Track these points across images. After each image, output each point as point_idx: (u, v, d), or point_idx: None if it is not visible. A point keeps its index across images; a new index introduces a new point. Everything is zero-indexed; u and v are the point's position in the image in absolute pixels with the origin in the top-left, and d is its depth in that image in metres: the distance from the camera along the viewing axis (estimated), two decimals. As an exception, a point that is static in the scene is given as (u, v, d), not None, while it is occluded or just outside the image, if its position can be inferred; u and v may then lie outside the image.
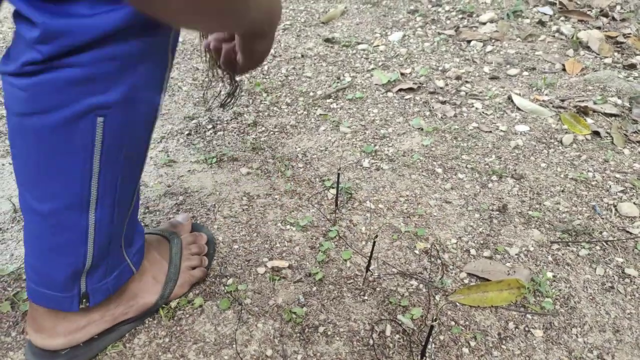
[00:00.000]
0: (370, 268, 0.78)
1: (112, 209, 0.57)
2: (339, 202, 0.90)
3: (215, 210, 0.89)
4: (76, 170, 0.52)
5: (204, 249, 0.78)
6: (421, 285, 0.76)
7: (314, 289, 0.75)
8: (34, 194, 0.54)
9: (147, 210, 0.88)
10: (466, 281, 0.77)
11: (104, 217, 0.56)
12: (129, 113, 0.52)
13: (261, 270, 0.78)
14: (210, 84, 1.25)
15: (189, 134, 1.09)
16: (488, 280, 0.76)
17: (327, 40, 1.49)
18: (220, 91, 1.19)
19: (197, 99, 1.21)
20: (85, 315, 0.62)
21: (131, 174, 0.58)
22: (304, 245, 0.82)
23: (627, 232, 0.86)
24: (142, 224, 0.83)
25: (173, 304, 0.71)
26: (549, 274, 0.78)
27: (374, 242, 0.71)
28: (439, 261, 0.80)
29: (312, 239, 0.84)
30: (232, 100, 1.14)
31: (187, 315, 0.71)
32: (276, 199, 0.92)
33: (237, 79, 1.15)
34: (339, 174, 0.84)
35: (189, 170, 0.98)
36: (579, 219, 0.89)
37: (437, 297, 0.74)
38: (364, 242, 0.83)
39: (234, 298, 0.73)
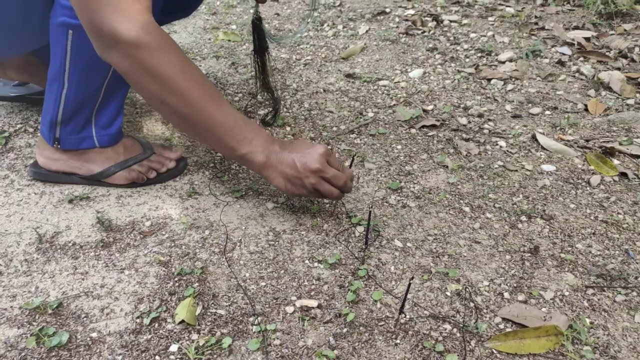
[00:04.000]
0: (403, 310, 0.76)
1: (76, 88, 0.89)
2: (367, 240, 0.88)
3: (241, 245, 0.88)
4: (60, 53, 0.85)
5: (165, 166, 1.02)
6: (455, 330, 0.74)
7: (345, 330, 0.73)
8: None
9: (173, 244, 0.87)
10: (501, 326, 0.74)
11: (69, 91, 0.89)
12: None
13: (290, 309, 0.76)
14: (250, 104, 1.31)
15: (214, 167, 1.09)
16: (524, 326, 0.74)
17: (348, 75, 1.51)
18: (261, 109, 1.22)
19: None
20: (57, 152, 0.97)
21: (93, 70, 0.88)
22: (332, 284, 0.81)
23: (664, 278, 0.84)
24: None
25: (201, 342, 0.70)
26: (587, 320, 0.76)
27: (409, 284, 0.69)
28: (472, 304, 0.78)
29: (340, 277, 0.82)
30: (274, 118, 1.22)
31: (215, 356, 0.68)
32: (303, 234, 0.91)
33: (278, 97, 1.25)
34: (370, 212, 0.83)
35: (214, 204, 0.98)
36: (612, 262, 0.87)
37: (472, 343, 0.72)
38: (393, 282, 0.82)
39: (262, 338, 0.71)
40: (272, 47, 1.22)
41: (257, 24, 1.15)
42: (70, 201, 0.96)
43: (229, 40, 1.75)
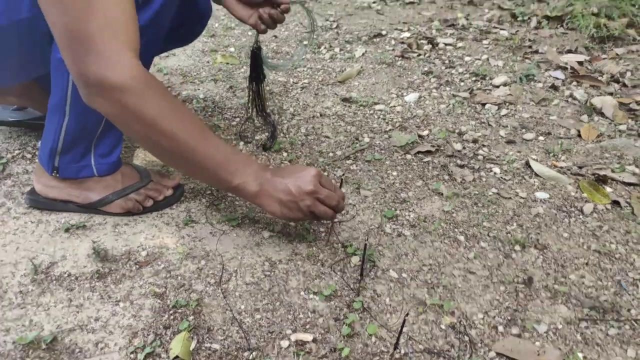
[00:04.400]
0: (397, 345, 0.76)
1: (78, 119, 0.90)
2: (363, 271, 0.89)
3: (237, 275, 0.88)
4: (61, 85, 0.87)
5: (162, 194, 1.03)
6: (449, 365, 0.74)
7: (339, 365, 0.73)
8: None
9: (168, 275, 0.87)
10: (495, 361, 0.75)
11: (71, 122, 0.91)
12: None
13: (284, 343, 0.76)
14: (246, 129, 1.34)
15: (210, 194, 1.09)
16: (518, 360, 0.74)
17: (344, 99, 1.53)
18: (256, 134, 1.23)
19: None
20: (55, 180, 0.98)
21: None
22: (328, 317, 0.81)
23: (657, 310, 0.84)
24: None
25: (195, 379, 0.70)
26: (580, 355, 0.76)
27: (404, 320, 0.69)
28: (466, 338, 0.78)
29: (336, 309, 0.82)
30: (273, 142, 1.24)
31: (210, 393, 0.68)
32: (298, 264, 0.91)
33: (273, 120, 1.28)
34: (365, 245, 0.83)
35: (211, 232, 0.98)
36: (605, 294, 0.87)
37: (467, 379, 0.72)
38: (388, 315, 0.82)
39: (257, 374, 0.71)
40: (269, 71, 1.24)
41: (256, 53, 1.17)
42: (67, 230, 0.96)
43: (227, 63, 1.77)
